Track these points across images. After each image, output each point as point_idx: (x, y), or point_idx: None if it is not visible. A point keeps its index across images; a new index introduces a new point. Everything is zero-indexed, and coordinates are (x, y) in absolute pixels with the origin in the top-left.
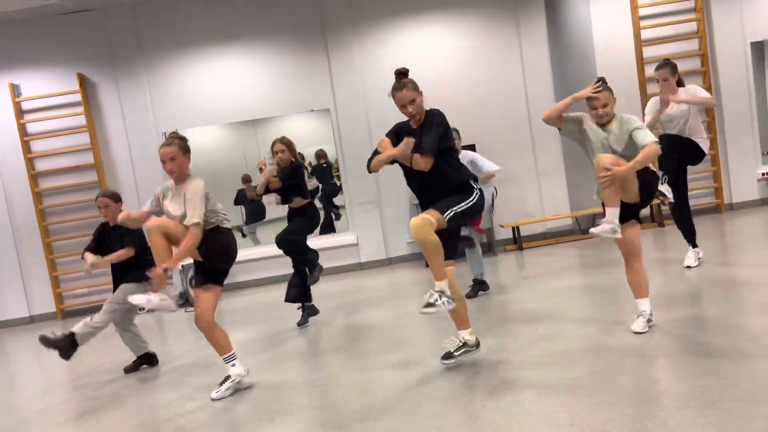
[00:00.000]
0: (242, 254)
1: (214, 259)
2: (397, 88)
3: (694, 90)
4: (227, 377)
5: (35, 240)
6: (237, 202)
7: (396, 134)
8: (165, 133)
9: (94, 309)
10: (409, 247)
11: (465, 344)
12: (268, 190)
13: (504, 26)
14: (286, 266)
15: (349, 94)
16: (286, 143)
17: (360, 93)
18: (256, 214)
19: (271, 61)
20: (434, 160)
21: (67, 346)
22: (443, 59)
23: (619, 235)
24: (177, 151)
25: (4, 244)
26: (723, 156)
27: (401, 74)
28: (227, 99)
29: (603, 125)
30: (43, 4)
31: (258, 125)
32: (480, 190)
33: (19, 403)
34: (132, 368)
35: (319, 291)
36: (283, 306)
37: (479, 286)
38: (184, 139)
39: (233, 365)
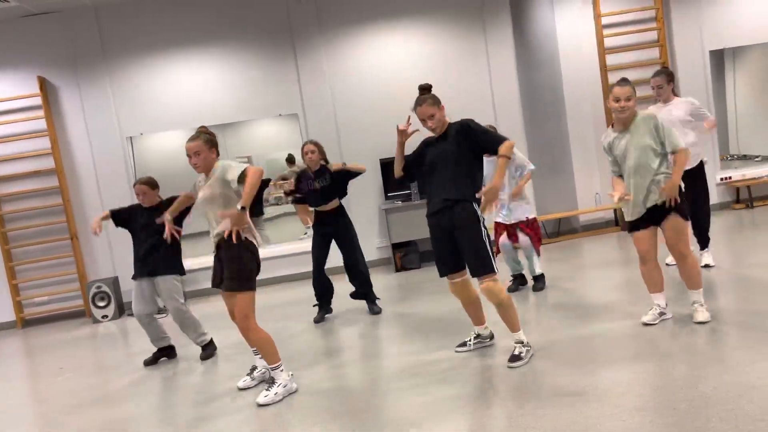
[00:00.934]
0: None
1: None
2: (417, 104)
3: (693, 102)
4: (272, 381)
5: None
6: None
7: (423, 150)
8: (130, 138)
9: (56, 317)
10: (379, 252)
11: (479, 335)
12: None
13: (471, 34)
14: (280, 268)
15: (318, 100)
16: (317, 144)
17: (328, 98)
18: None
19: (238, 66)
20: (463, 159)
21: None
22: (411, 65)
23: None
24: (202, 145)
25: None
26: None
27: (424, 89)
28: (194, 103)
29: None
30: (2, 7)
31: (225, 130)
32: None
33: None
34: (152, 360)
35: (287, 297)
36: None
37: (519, 280)
38: (211, 134)
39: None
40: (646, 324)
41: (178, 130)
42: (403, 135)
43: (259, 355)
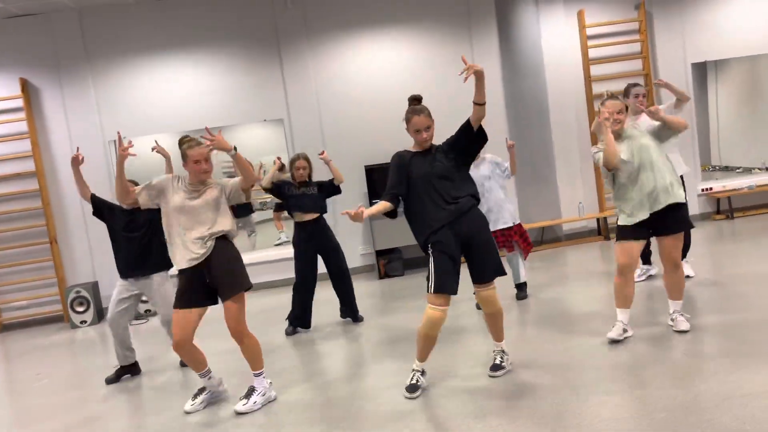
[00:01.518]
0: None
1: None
2: (415, 113)
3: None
4: (252, 389)
5: None
6: None
7: (407, 163)
8: (113, 142)
9: (34, 322)
10: (363, 259)
11: (503, 352)
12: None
13: (457, 41)
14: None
15: (303, 105)
16: (308, 160)
17: (314, 104)
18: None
19: (223, 70)
20: (461, 169)
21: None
22: (397, 72)
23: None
24: (209, 152)
25: None
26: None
27: (416, 100)
28: (178, 107)
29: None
30: None
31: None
32: None
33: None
34: (114, 378)
35: (271, 304)
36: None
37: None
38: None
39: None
40: (613, 341)
41: (161, 134)
42: (358, 218)
43: (207, 377)
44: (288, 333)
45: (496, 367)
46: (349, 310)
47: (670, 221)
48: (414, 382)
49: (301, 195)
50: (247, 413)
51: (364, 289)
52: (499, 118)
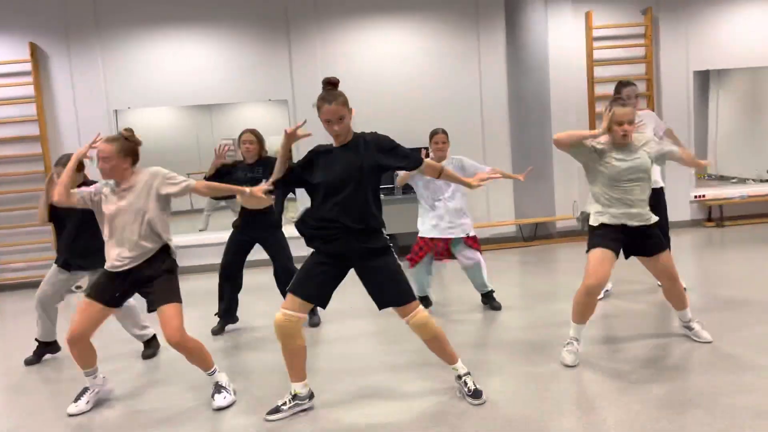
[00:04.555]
0: (191, 238)
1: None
2: (326, 100)
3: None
4: (218, 385)
5: None
6: None
7: (313, 159)
8: (115, 111)
9: (30, 284)
10: None
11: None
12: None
13: (465, 35)
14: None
15: (309, 87)
16: (257, 134)
17: (319, 87)
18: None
19: (231, 48)
20: (372, 179)
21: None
22: (404, 60)
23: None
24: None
25: None
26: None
27: (331, 84)
28: (183, 81)
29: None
30: None
31: (213, 110)
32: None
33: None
34: (35, 359)
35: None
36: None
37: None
38: (131, 139)
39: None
40: (568, 366)
41: (166, 106)
42: (291, 138)
43: (92, 375)
44: (213, 332)
45: (477, 394)
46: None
47: (652, 241)
48: (472, 387)
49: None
50: (226, 406)
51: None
52: (501, 113)
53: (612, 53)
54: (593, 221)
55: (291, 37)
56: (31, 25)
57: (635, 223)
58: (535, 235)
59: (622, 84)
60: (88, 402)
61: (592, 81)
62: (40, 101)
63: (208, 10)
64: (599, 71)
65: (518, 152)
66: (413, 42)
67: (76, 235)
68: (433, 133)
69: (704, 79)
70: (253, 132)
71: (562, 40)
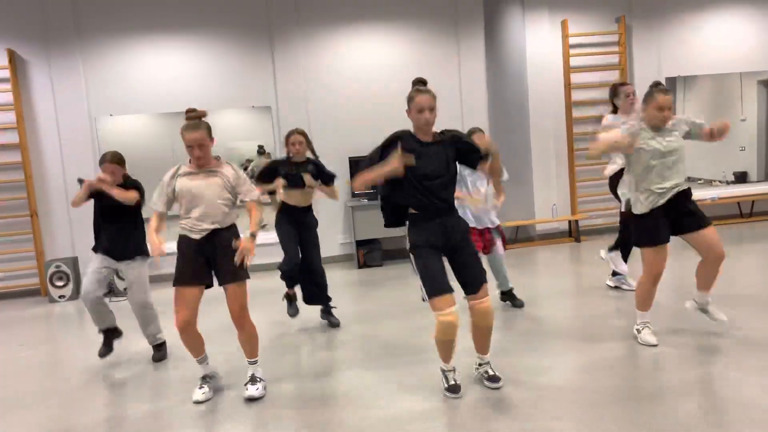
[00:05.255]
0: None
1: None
2: (420, 92)
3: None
4: (254, 377)
5: None
6: None
7: (411, 148)
8: (94, 118)
9: (11, 294)
10: (342, 248)
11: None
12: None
13: (445, 42)
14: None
15: (291, 94)
16: (305, 135)
17: (302, 94)
18: None
19: (213, 54)
20: (453, 169)
21: (162, 351)
22: (385, 67)
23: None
24: (206, 135)
25: None
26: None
27: (421, 82)
28: (165, 89)
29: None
30: None
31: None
32: None
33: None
34: (107, 350)
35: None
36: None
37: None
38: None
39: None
40: (652, 345)
41: (148, 114)
42: (400, 162)
43: (205, 362)
44: (291, 315)
45: (495, 378)
46: (318, 300)
47: (696, 217)
48: (453, 382)
49: (296, 175)
50: (258, 398)
51: (343, 278)
52: (481, 119)
53: (587, 60)
54: (640, 209)
55: (274, 43)
56: (9, 31)
57: (677, 190)
58: (516, 237)
59: (618, 85)
60: (211, 389)
61: (569, 87)
62: (19, 108)
63: (190, 17)
64: (575, 78)
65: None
66: (394, 49)
67: (121, 226)
68: (471, 132)
69: (672, 86)
70: (302, 133)
71: (539, 48)
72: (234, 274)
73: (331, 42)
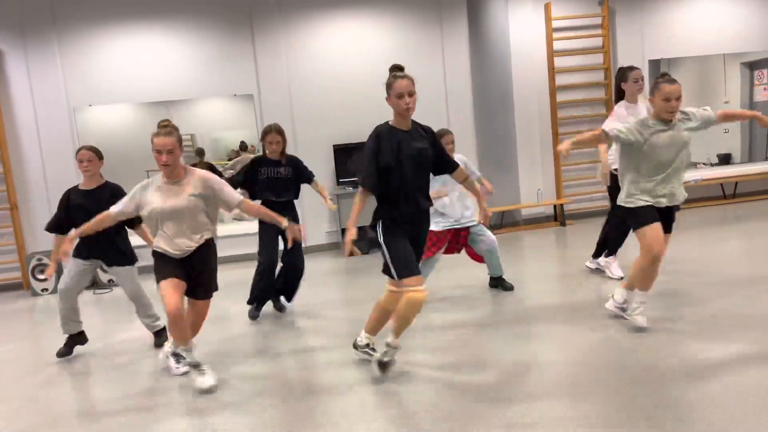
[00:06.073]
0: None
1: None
2: (399, 77)
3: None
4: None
5: None
6: None
7: (392, 139)
8: (73, 109)
9: None
10: (327, 236)
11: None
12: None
13: (428, 28)
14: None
15: (274, 82)
16: (282, 134)
17: (285, 81)
18: None
19: (194, 43)
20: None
21: (163, 336)
22: (367, 54)
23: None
24: (176, 143)
25: None
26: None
27: (398, 68)
28: (145, 78)
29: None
30: None
31: (177, 107)
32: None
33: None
34: (67, 351)
35: (234, 278)
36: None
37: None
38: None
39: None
40: (642, 328)
41: (127, 103)
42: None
43: (191, 351)
44: (253, 317)
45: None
46: (284, 291)
47: (668, 219)
48: (387, 359)
49: (277, 178)
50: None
51: (328, 265)
52: (466, 105)
53: (571, 44)
54: (637, 202)
55: (255, 31)
56: None
57: (673, 203)
58: (501, 223)
59: (626, 69)
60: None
61: (552, 71)
62: None
63: (170, 4)
64: (559, 61)
65: (483, 142)
66: (377, 35)
67: (104, 233)
68: (443, 134)
69: (656, 68)
70: (279, 132)
71: (522, 32)
72: (207, 291)
73: (313, 29)
